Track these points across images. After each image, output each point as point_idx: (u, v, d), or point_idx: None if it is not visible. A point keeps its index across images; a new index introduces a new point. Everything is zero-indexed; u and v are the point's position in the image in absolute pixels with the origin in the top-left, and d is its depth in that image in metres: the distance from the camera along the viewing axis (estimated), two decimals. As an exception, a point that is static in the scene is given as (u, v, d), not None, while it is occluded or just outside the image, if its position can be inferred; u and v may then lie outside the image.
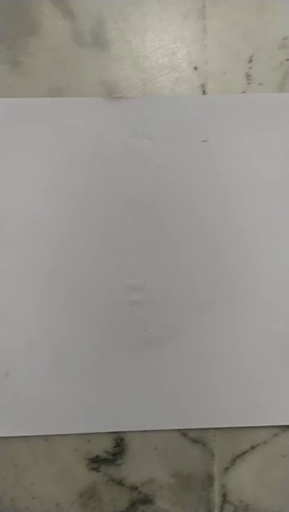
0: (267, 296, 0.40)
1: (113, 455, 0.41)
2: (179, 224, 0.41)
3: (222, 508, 0.40)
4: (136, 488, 0.40)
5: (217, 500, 0.41)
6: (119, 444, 0.40)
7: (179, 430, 0.40)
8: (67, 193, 0.41)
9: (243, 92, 0.43)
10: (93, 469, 0.40)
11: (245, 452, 0.40)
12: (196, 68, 0.44)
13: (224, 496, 0.40)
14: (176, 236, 0.41)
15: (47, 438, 0.40)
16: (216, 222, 0.41)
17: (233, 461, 0.40)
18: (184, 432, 0.40)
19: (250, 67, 0.43)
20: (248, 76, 0.43)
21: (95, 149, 0.42)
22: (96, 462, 0.40)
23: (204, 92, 0.43)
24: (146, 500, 0.41)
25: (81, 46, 0.44)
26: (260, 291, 0.40)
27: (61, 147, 0.42)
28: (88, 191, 0.41)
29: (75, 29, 0.45)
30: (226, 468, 0.40)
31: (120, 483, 0.41)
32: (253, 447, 0.40)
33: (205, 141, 0.42)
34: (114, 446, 0.40)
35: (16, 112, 0.43)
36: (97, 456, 0.40)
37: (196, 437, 0.40)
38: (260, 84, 0.43)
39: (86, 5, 0.45)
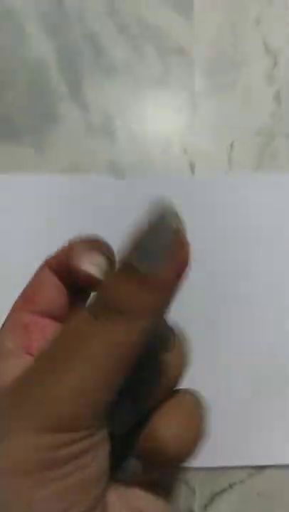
0: (253, 339, 0.46)
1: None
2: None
3: None
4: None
5: (200, 538, 0.44)
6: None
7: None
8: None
9: (226, 173, 0.51)
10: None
11: (223, 490, 0.44)
12: (185, 152, 0.52)
13: (206, 534, 0.44)
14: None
15: None
16: (207, 295, 0.48)
17: (212, 498, 0.44)
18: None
19: (231, 152, 0.52)
20: (230, 159, 0.52)
21: (102, 223, 0.50)
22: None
23: (192, 172, 0.52)
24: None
25: (92, 134, 0.54)
26: (244, 334, 0.46)
27: (71, 219, 0.51)
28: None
29: (88, 120, 0.54)
30: (206, 505, 0.44)
31: None
32: (230, 486, 0.43)
33: (191, 216, 0.50)
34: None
35: (36, 186, 0.52)
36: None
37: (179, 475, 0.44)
38: (239, 166, 0.51)
39: (98, 100, 0.55)
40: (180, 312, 0.45)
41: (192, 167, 0.52)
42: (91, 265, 0.17)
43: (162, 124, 0.54)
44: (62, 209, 0.51)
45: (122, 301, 0.14)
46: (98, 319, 0.14)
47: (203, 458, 0.44)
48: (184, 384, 0.44)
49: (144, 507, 0.15)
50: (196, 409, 0.17)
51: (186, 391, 0.18)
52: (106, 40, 0.58)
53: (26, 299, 0.19)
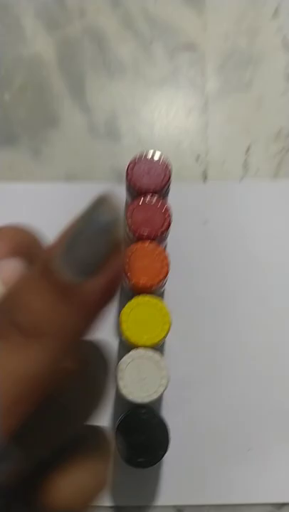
0: (261, 373, 0.42)
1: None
2: (180, 300, 0.44)
3: None
4: None
5: None
6: (118, 516, 0.41)
7: (174, 506, 0.40)
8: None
9: (241, 179, 0.47)
10: None
11: (241, 531, 0.40)
12: (198, 157, 0.48)
13: None
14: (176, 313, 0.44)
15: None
16: (216, 298, 0.44)
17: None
18: (179, 509, 0.40)
19: (247, 157, 0.48)
20: (245, 165, 0.47)
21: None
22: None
23: (205, 179, 0.47)
24: None
25: (95, 137, 0.50)
26: (246, 368, 0.42)
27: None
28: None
29: (90, 122, 0.50)
30: None
31: None
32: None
33: (205, 222, 0.46)
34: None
35: (35, 195, 0.48)
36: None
37: (192, 513, 0.40)
38: (256, 172, 0.47)
39: (101, 101, 0.51)
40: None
41: (205, 174, 0.47)
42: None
43: (172, 127, 0.50)
44: (62, 217, 0.47)
45: (33, 315, 0.10)
46: None
47: (223, 495, 0.41)
48: (206, 420, 0.41)
49: None
50: (100, 458, 0.13)
51: (93, 431, 0.14)
52: (110, 37, 0.54)
53: None
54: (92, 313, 0.11)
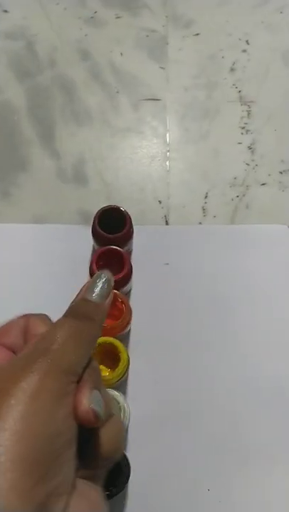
0: (225, 409, 0.44)
1: None
2: (144, 338, 0.46)
3: None
4: None
5: None
6: None
7: None
8: (42, 308, 0.46)
9: (200, 223, 0.50)
10: None
11: None
12: (160, 202, 0.51)
13: None
14: (140, 350, 0.46)
15: None
16: (179, 335, 0.46)
17: None
18: None
19: (205, 202, 0.51)
20: (204, 209, 0.51)
21: (71, 268, 0.48)
22: None
23: (167, 223, 0.50)
24: None
25: (63, 181, 0.52)
26: (220, 400, 0.44)
27: (42, 265, 0.48)
28: (63, 308, 0.46)
29: (59, 167, 0.53)
30: None
31: None
32: None
33: (167, 264, 0.49)
34: None
35: (3, 235, 0.49)
36: None
37: None
38: (214, 216, 0.51)
39: (70, 147, 0.54)
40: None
41: (166, 218, 0.50)
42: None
43: (136, 173, 0.53)
44: (29, 256, 0.49)
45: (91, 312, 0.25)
46: (80, 320, 0.24)
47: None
48: (164, 463, 0.42)
49: (86, 491, 0.22)
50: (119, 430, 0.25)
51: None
52: (79, 87, 0.58)
53: None
54: (104, 315, 0.26)
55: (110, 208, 0.44)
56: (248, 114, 0.56)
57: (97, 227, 0.44)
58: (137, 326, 0.46)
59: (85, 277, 0.44)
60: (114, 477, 0.38)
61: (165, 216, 0.51)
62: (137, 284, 0.48)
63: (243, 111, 0.56)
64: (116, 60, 0.59)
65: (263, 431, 0.44)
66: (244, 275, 0.49)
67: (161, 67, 0.59)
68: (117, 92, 0.57)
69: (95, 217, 0.44)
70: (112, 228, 0.44)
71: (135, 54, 0.60)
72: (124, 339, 0.45)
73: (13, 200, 0.51)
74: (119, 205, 0.45)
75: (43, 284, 0.48)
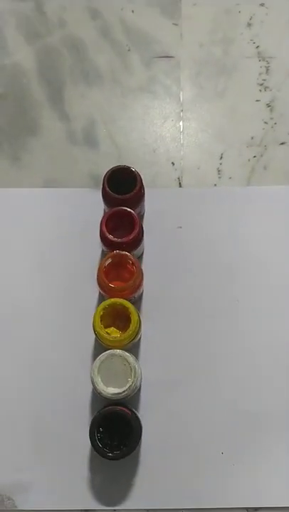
0: (235, 376, 0.43)
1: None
2: (156, 302, 0.45)
3: None
4: None
5: None
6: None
7: (147, 510, 0.41)
8: (53, 271, 0.46)
9: (215, 185, 0.48)
10: None
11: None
12: (173, 164, 0.49)
13: None
14: (152, 315, 0.45)
15: None
16: (191, 300, 0.45)
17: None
18: None
19: (221, 163, 0.49)
20: (219, 171, 0.49)
21: (81, 233, 0.47)
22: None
23: (180, 185, 0.49)
24: None
25: (74, 144, 0.51)
26: (220, 372, 0.43)
27: (53, 230, 0.48)
28: (73, 271, 0.46)
29: (69, 129, 0.51)
30: None
31: None
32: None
33: (180, 227, 0.47)
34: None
35: (15, 200, 0.49)
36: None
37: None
38: (229, 178, 0.48)
39: (80, 109, 0.52)
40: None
41: (180, 180, 0.49)
42: None
43: (148, 134, 0.51)
44: (40, 222, 0.48)
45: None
46: None
47: (197, 499, 0.41)
48: (180, 426, 0.41)
49: None
50: None
51: None
52: (89, 47, 0.55)
53: None
54: None
55: (120, 168, 0.43)
56: (267, 70, 0.53)
57: (107, 188, 0.42)
58: (149, 290, 0.45)
59: (96, 241, 0.43)
60: (126, 436, 0.37)
61: (178, 178, 0.49)
62: (149, 247, 0.46)
63: (261, 67, 0.53)
64: (127, 17, 0.56)
65: (275, 395, 0.43)
66: (261, 239, 0.47)
67: (175, 24, 0.56)
68: (129, 50, 0.54)
69: (104, 178, 0.43)
70: (122, 190, 0.42)
71: (147, 11, 0.57)
72: (137, 303, 0.44)
73: (23, 164, 0.50)
74: (129, 165, 0.43)
75: (54, 249, 0.47)
